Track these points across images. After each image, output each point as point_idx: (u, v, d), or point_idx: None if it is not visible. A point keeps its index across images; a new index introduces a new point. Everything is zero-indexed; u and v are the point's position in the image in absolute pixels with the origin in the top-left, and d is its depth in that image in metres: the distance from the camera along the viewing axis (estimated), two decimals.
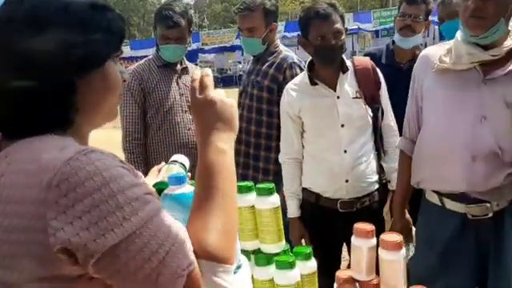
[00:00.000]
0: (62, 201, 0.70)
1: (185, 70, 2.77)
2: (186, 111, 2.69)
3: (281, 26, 21.26)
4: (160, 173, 1.35)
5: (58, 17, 0.82)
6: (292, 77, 2.50)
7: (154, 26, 2.77)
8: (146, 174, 2.41)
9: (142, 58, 2.83)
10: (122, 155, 2.62)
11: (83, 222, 0.70)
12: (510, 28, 1.68)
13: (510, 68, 1.63)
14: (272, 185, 1.33)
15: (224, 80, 28.73)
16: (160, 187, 1.18)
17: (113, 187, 0.72)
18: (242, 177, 2.74)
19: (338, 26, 2.10)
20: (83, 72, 0.83)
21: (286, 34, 20.66)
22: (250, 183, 1.37)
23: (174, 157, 1.40)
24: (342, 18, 2.14)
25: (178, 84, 2.70)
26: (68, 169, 0.71)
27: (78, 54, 0.82)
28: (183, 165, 1.37)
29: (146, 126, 2.65)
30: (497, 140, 1.63)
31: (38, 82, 0.79)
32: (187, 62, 2.81)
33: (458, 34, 1.72)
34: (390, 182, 2.23)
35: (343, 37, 2.13)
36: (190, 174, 1.38)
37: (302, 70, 2.52)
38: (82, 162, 0.72)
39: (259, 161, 2.65)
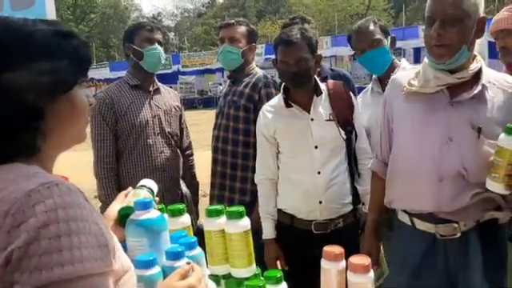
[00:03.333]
0: (14, 231, 0.70)
1: (157, 92, 2.74)
2: (158, 134, 2.65)
3: (261, 48, 21.50)
4: (127, 198, 1.33)
5: (23, 45, 0.83)
6: (267, 95, 2.54)
7: (129, 40, 2.66)
8: None
9: (120, 79, 2.81)
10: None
11: (25, 252, 0.70)
12: (474, 52, 1.74)
13: (475, 91, 1.67)
14: (242, 208, 1.33)
15: (204, 101, 28.82)
16: (126, 212, 1.17)
17: (61, 228, 0.72)
18: (218, 198, 2.73)
19: (303, 53, 2.14)
20: (50, 99, 0.84)
21: (268, 56, 20.87)
22: (219, 207, 1.36)
23: (142, 181, 1.39)
24: (311, 45, 2.18)
25: (150, 106, 2.66)
26: (27, 200, 0.72)
27: (44, 81, 0.83)
28: (151, 190, 1.35)
29: (118, 150, 2.60)
30: (462, 161, 1.66)
31: (3, 110, 0.79)
32: (159, 83, 2.79)
33: (426, 58, 1.76)
34: (363, 204, 2.24)
35: (309, 63, 2.16)
36: (157, 198, 1.37)
37: (276, 89, 2.57)
38: (42, 195, 0.73)
39: (236, 181, 2.65)
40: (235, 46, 2.70)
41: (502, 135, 1.51)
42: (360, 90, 2.80)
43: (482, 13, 1.65)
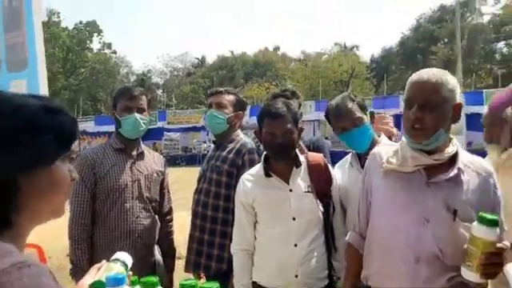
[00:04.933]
0: None
1: (140, 156, 2.73)
2: (136, 198, 2.62)
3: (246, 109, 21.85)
4: (99, 271, 1.30)
5: (6, 117, 0.84)
6: (250, 161, 2.57)
7: (113, 105, 2.70)
8: (91, 262, 2.33)
9: (105, 133, 2.82)
10: None
11: None
12: (451, 136, 1.80)
13: (451, 174, 1.71)
14: (216, 284, 1.31)
15: (187, 158, 28.81)
16: (97, 287, 1.13)
17: None
18: (194, 265, 2.67)
19: (289, 125, 2.19)
20: (29, 172, 0.84)
21: (253, 116, 21.16)
22: (193, 282, 1.33)
23: (117, 255, 1.36)
24: (295, 118, 2.23)
25: (131, 170, 2.64)
26: None
27: (24, 154, 0.82)
28: (125, 264, 1.33)
29: (94, 213, 2.55)
30: (438, 243, 1.67)
31: None
32: (144, 147, 2.79)
33: (404, 138, 1.81)
34: (339, 279, 2.21)
35: (294, 135, 2.21)
36: (131, 273, 1.34)
37: (260, 156, 2.57)
38: (11, 276, 0.72)
39: (213, 248, 2.61)
40: (221, 112, 2.77)
41: (475, 224, 1.51)
42: (340, 154, 2.81)
43: (458, 99, 1.72)
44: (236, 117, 2.81)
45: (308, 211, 2.19)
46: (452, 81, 1.72)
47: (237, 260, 2.29)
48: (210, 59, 63.27)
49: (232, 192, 2.54)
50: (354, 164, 2.40)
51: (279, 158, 2.24)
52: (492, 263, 1.49)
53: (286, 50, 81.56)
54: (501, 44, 46.19)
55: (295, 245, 2.15)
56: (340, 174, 2.47)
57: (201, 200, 2.69)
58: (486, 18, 47.26)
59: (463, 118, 18.51)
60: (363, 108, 2.35)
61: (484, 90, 25.94)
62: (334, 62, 42.04)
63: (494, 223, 1.47)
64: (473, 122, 22.24)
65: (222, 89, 2.88)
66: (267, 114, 2.22)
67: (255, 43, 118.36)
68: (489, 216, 1.48)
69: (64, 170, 0.92)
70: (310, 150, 2.65)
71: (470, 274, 1.51)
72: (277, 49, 63.31)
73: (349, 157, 2.48)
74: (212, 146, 2.96)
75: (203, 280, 2.67)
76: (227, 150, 2.70)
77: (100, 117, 32.56)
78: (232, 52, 61.56)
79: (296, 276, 2.13)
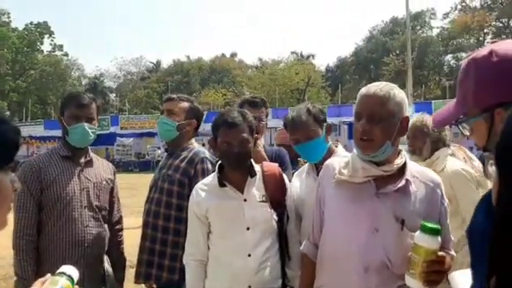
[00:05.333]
0: None
1: (89, 163, 2.65)
2: (85, 207, 2.53)
3: None
4: (44, 286, 1.24)
5: None
6: (203, 171, 2.54)
7: (61, 112, 2.61)
8: (36, 274, 2.24)
9: (55, 138, 2.71)
10: None
11: None
12: (400, 147, 1.85)
13: (400, 185, 1.76)
14: None
15: (141, 165, 28.30)
16: None
17: None
18: (145, 276, 2.61)
19: (245, 135, 2.19)
20: None
21: (209, 123, 21.04)
22: None
23: (62, 268, 1.30)
24: (251, 127, 2.24)
25: (79, 178, 2.56)
26: None
27: None
28: (71, 278, 1.27)
29: (40, 222, 2.45)
30: (387, 252, 1.71)
31: None
32: (92, 154, 2.71)
33: (354, 149, 1.85)
34: None
35: (250, 144, 2.21)
36: (77, 287, 1.29)
37: (213, 165, 2.57)
38: None
39: (165, 258, 2.56)
40: (172, 119, 2.74)
41: (418, 233, 1.56)
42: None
43: (405, 113, 1.78)
44: (188, 125, 2.77)
45: (262, 221, 2.19)
46: (400, 94, 1.78)
47: (189, 270, 2.26)
48: (166, 64, 62.73)
49: (184, 202, 2.50)
50: (311, 173, 2.42)
51: (235, 168, 2.23)
52: (434, 271, 1.53)
53: (243, 56, 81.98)
54: (449, 57, 48.35)
55: (249, 255, 2.14)
56: (297, 182, 2.49)
57: (152, 210, 2.64)
58: (435, 32, 49.34)
59: None
60: (320, 121, 2.36)
61: (433, 101, 27.04)
62: (291, 70, 42.61)
63: (435, 232, 1.52)
64: None
65: (174, 96, 2.85)
66: (223, 123, 2.21)
67: (212, 49, 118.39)
68: (430, 225, 1.53)
69: (6, 182, 0.89)
70: (271, 160, 2.66)
71: (413, 282, 1.55)
72: (234, 55, 63.53)
73: (306, 166, 2.51)
74: (165, 154, 2.92)
75: None
76: (179, 158, 2.66)
77: (49, 121, 31.48)
78: (188, 57, 61.27)
79: (249, 286, 2.12)
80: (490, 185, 3.61)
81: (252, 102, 2.93)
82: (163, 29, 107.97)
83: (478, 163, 3.58)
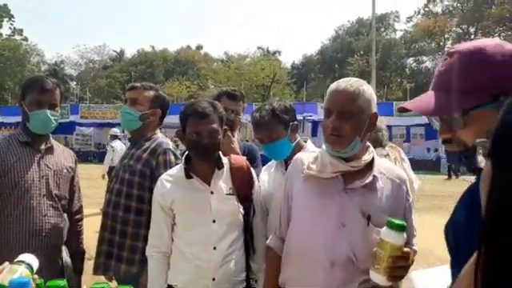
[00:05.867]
0: None
1: (49, 151, 2.54)
2: (44, 195, 2.43)
3: None
4: (1, 274, 1.18)
5: None
6: (165, 162, 2.49)
7: (21, 96, 2.49)
8: None
9: (11, 124, 2.57)
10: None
11: None
12: (368, 144, 1.87)
13: (367, 181, 1.78)
14: None
15: (100, 155, 27.68)
16: None
17: None
18: (103, 267, 2.55)
19: (215, 125, 2.16)
20: None
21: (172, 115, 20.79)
22: (105, 285, 1.26)
23: (21, 256, 1.25)
24: (221, 118, 2.21)
25: (39, 165, 2.45)
26: None
27: None
28: (30, 266, 1.22)
29: None
30: (352, 247, 1.73)
31: None
32: (53, 141, 2.60)
33: (324, 145, 1.86)
34: (256, 281, 2.22)
35: (220, 136, 2.19)
36: (36, 276, 1.24)
37: (176, 157, 2.54)
38: None
39: (123, 250, 2.50)
40: (135, 109, 2.67)
41: (384, 228, 1.58)
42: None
43: (374, 109, 1.81)
44: (152, 114, 2.70)
45: (229, 214, 2.18)
46: (369, 91, 1.80)
47: (152, 263, 2.22)
48: (130, 53, 61.54)
49: (145, 193, 2.46)
50: (279, 168, 2.42)
51: (203, 159, 2.19)
52: (398, 266, 1.55)
53: (209, 49, 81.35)
54: (410, 60, 49.61)
55: (214, 247, 2.12)
56: (265, 176, 2.49)
57: (112, 200, 2.57)
58: (398, 34, 50.50)
59: None
60: (285, 121, 2.34)
61: (394, 102, 27.66)
62: (257, 65, 42.56)
63: (401, 228, 1.55)
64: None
65: (138, 84, 2.76)
66: (193, 112, 2.16)
67: (177, 40, 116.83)
68: (397, 221, 1.55)
69: None
70: (243, 154, 2.64)
71: (377, 277, 1.57)
72: (200, 47, 63.00)
73: (274, 161, 2.51)
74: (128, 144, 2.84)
75: (114, 283, 2.57)
76: (142, 148, 2.59)
77: (6, 107, 30.35)
78: (153, 47, 60.26)
79: (213, 279, 2.10)
80: (416, 187, 3.73)
81: (231, 95, 2.86)
82: (128, 17, 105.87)
83: (407, 165, 3.71)
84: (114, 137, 11.03)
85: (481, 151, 0.77)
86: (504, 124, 0.62)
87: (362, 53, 44.14)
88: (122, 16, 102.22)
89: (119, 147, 10.20)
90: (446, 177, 19.51)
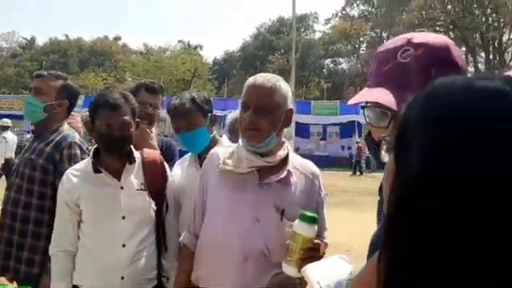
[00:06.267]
0: None
1: None
2: None
3: (80, 100, 20.50)
4: None
5: None
6: (69, 156, 2.35)
7: None
8: None
9: None
10: None
11: None
12: (283, 139, 1.88)
13: (281, 176, 1.79)
14: None
15: None
16: None
17: None
18: (2, 268, 2.36)
19: (127, 118, 2.06)
20: None
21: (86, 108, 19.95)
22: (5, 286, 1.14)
23: None
24: (133, 110, 2.11)
25: None
26: None
27: None
28: None
29: None
30: (266, 241, 1.73)
31: None
32: None
33: (240, 140, 1.84)
34: (168, 279, 2.15)
35: (132, 129, 2.09)
36: None
37: (82, 151, 2.41)
38: None
39: (23, 250, 2.32)
40: (39, 99, 2.48)
41: (297, 221, 1.60)
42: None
43: (290, 105, 1.82)
44: (59, 105, 2.52)
45: (139, 210, 2.09)
46: (285, 87, 1.81)
47: (56, 262, 2.07)
48: (41, 41, 57.98)
49: (47, 189, 2.32)
50: (193, 162, 2.36)
51: (113, 153, 2.09)
52: (309, 257, 1.57)
53: (128, 40, 78.68)
54: (328, 60, 51.48)
55: (123, 245, 2.02)
56: (179, 171, 2.42)
57: (11, 197, 2.38)
58: (317, 35, 52.19)
59: (293, 125, 20.16)
60: (204, 111, 2.31)
61: (312, 101, 28.56)
62: (178, 59, 41.96)
63: (313, 220, 1.58)
64: (301, 129, 24.40)
65: (45, 72, 2.57)
66: (103, 104, 2.04)
67: (93, 29, 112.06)
68: (309, 213, 1.58)
69: None
70: (161, 150, 2.54)
71: (289, 269, 1.59)
72: (118, 38, 60.78)
73: (189, 155, 2.45)
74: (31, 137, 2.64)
75: (14, 284, 2.42)
76: (45, 142, 2.41)
77: None
78: (66, 36, 57.19)
79: (122, 278, 2.00)
80: None
81: (150, 88, 2.70)
82: (40, 3, 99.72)
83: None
84: (5, 128, 10.67)
85: (384, 146, 0.77)
86: (405, 118, 0.63)
87: (282, 51, 45.03)
88: (33, 1, 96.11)
89: (11, 139, 10.01)
90: (351, 173, 20.55)
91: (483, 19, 35.96)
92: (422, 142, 0.57)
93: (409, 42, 1.04)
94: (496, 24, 36.15)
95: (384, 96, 1.02)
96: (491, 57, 37.23)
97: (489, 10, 35.89)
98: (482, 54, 38.30)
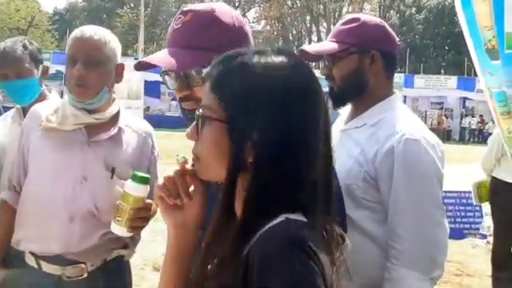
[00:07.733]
0: None
1: None
2: None
3: None
4: None
5: None
6: None
7: None
8: None
9: None
10: None
11: None
12: (114, 96, 1.83)
13: (112, 133, 1.75)
14: None
15: None
16: None
17: None
18: None
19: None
20: None
21: None
22: None
23: None
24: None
25: None
26: None
27: None
28: None
29: None
30: (95, 201, 1.70)
31: None
32: None
33: (66, 96, 1.75)
34: None
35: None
36: None
37: None
38: None
39: None
40: None
41: (128, 181, 1.58)
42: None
43: (119, 59, 1.78)
44: None
45: None
46: (114, 41, 1.76)
47: None
48: None
49: None
50: (17, 118, 2.18)
51: None
52: (139, 217, 1.58)
53: None
54: None
55: None
56: (1, 128, 2.23)
57: None
58: None
59: (141, 84, 19.44)
60: (36, 60, 2.15)
61: None
62: (10, 5, 37.38)
63: (144, 181, 1.57)
64: (151, 88, 23.67)
65: None
66: None
67: None
68: (141, 174, 1.57)
69: None
70: None
71: (118, 229, 1.58)
72: None
73: (13, 110, 2.26)
74: None
75: None
76: None
77: None
78: None
79: None
80: None
81: None
82: None
83: None
84: None
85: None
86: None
87: (132, 5, 42.88)
88: None
89: None
90: None
91: None
92: None
93: (182, 11, 1.24)
94: None
95: (164, 57, 1.19)
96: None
97: None
98: (325, 25, 41.18)
